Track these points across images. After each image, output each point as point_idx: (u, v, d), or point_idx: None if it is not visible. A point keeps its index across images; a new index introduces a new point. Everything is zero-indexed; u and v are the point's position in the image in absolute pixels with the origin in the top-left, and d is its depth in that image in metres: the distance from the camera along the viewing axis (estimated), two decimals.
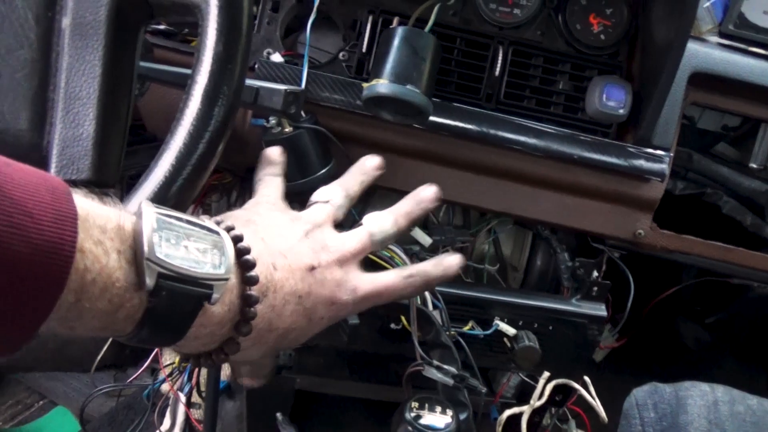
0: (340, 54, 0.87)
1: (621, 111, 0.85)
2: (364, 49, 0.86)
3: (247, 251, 0.46)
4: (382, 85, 0.77)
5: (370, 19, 0.86)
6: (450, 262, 0.62)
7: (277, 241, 0.51)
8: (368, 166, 0.67)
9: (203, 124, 0.51)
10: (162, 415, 1.18)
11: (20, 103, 0.52)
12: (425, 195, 0.64)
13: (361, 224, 0.62)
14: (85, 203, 0.38)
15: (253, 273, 0.46)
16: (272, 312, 0.48)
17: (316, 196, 0.64)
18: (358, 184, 0.66)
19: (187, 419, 1.12)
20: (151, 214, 0.40)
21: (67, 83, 0.53)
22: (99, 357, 1.37)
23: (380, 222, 0.61)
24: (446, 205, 0.98)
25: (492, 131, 0.85)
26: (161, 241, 0.39)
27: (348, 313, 0.57)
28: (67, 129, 0.52)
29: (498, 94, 0.88)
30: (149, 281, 0.38)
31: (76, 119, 0.52)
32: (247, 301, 0.45)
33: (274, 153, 0.68)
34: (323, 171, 0.82)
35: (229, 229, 0.46)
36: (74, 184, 0.53)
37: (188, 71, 0.68)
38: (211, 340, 0.46)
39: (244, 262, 0.45)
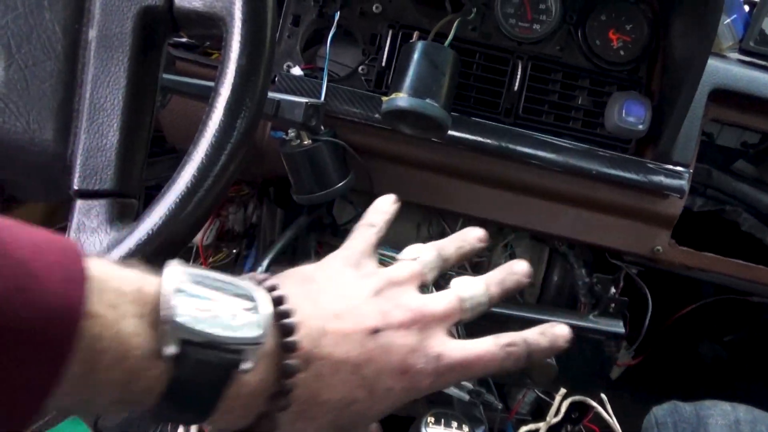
0: (360, 68, 0.88)
1: (640, 127, 0.84)
2: (383, 63, 0.86)
3: (287, 314, 0.41)
4: (402, 98, 0.77)
5: (390, 33, 0.86)
6: (559, 332, 0.52)
7: (335, 302, 0.45)
8: (471, 236, 0.58)
9: (226, 136, 0.51)
10: (176, 427, 1.17)
11: (46, 114, 0.53)
12: (518, 268, 0.55)
13: (449, 287, 0.53)
14: (100, 265, 0.34)
15: (292, 338, 0.40)
16: (319, 382, 0.42)
17: (403, 253, 0.56)
18: (455, 249, 0.57)
19: (200, 429, 1.11)
20: (176, 273, 0.37)
21: (92, 94, 0.53)
22: None
23: (472, 287, 0.52)
24: (463, 218, 0.98)
25: (511, 146, 0.85)
26: (186, 303, 0.35)
27: (430, 386, 0.47)
28: (91, 139, 0.53)
29: (517, 109, 0.88)
30: (171, 347, 0.35)
31: (100, 130, 0.53)
32: (284, 371, 0.40)
33: (386, 202, 0.59)
34: (341, 184, 0.82)
35: (271, 289, 0.42)
36: (97, 195, 0.54)
37: (210, 84, 0.69)
38: (247, 413, 0.40)
39: (283, 327, 0.40)
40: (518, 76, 0.87)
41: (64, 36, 0.53)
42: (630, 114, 0.84)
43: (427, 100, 0.77)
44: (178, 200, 0.50)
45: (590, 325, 0.91)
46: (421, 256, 0.54)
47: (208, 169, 0.51)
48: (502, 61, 0.88)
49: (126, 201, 0.54)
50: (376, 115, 0.84)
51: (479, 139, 0.85)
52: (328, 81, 0.84)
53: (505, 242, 1.00)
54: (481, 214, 0.91)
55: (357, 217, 0.94)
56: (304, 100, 0.67)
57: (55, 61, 0.53)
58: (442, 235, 1.01)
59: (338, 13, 0.85)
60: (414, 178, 0.89)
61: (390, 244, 0.95)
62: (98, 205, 0.53)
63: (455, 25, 0.82)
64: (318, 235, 0.88)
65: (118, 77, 0.54)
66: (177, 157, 0.91)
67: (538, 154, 0.85)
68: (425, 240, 1.00)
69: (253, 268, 0.96)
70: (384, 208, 0.58)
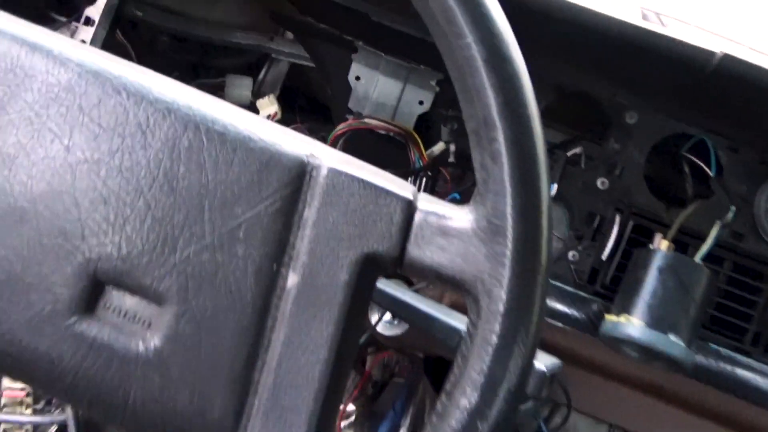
0: (570, 253, 0.71)
1: None
2: (603, 257, 0.69)
3: None
4: (635, 328, 0.60)
5: (618, 219, 0.69)
6: None
7: None
8: None
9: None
10: None
11: (218, 385, 0.39)
12: None
13: None
14: None
15: None
16: None
17: None
18: None
19: None
20: None
21: (281, 363, 0.39)
22: None
23: None
24: None
25: (758, 385, 0.66)
26: None
27: None
28: (270, 429, 0.39)
29: None
30: None
31: (284, 418, 0.39)
32: None
33: None
34: (529, 404, 0.65)
35: None
36: None
37: (431, 312, 0.53)
38: None
39: None
40: None
41: (257, 280, 0.39)
42: None
43: (670, 336, 0.59)
44: None
45: None
46: None
47: None
48: (756, 274, 0.68)
49: None
50: (585, 318, 0.67)
51: (719, 370, 0.66)
52: None
53: None
54: None
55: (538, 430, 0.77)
56: (542, 367, 0.51)
57: (241, 314, 0.39)
58: None
59: (556, 185, 0.69)
60: (619, 396, 0.71)
61: None
62: None
63: (715, 231, 0.64)
64: None
65: (320, 344, 0.39)
66: None
67: None
68: None
69: None
70: None
